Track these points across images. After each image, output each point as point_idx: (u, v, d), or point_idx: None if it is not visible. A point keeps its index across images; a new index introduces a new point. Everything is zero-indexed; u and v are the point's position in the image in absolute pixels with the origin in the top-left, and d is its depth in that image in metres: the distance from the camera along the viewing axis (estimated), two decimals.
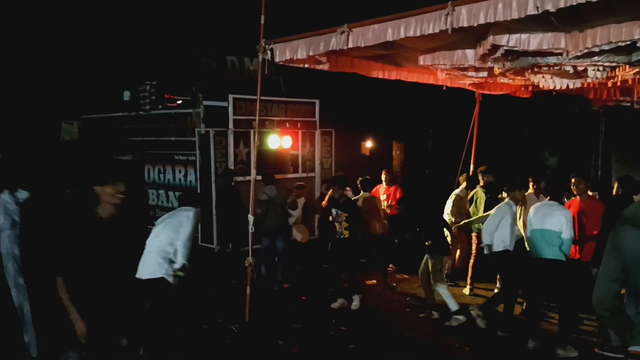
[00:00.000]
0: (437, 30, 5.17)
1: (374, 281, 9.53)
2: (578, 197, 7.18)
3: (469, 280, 8.86)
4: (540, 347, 6.44)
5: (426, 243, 7.70)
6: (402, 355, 6.50)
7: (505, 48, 5.74)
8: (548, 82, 7.77)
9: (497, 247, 7.07)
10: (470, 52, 6.50)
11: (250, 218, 7.35)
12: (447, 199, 9.37)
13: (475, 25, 4.92)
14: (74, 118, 14.27)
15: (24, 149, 12.87)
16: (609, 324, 3.12)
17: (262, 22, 6.80)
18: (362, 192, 9.31)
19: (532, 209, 6.82)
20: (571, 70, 6.73)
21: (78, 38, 15.07)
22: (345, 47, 6.02)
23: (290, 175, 11.59)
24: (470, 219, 8.74)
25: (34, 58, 14.87)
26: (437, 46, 6.60)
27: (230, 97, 10.75)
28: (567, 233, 6.44)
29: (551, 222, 6.49)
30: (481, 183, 8.91)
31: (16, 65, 14.47)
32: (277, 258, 9.11)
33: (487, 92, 10.05)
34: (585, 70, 6.66)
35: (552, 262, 6.47)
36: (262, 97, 7.54)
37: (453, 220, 9.00)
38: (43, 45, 14.96)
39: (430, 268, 7.65)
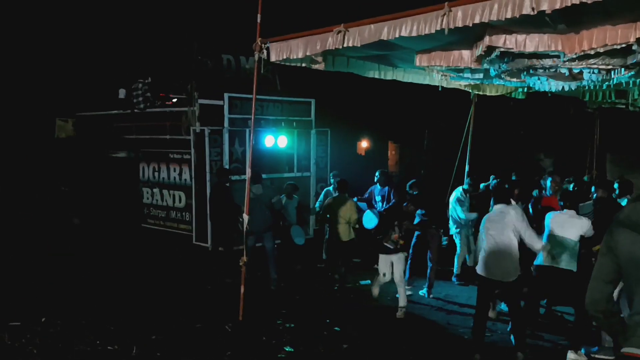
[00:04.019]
0: (433, 31, 5.17)
1: (369, 281, 9.54)
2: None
3: None
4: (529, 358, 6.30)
5: None
6: (396, 355, 6.50)
7: (502, 49, 5.74)
8: (544, 84, 7.79)
9: None
10: (466, 53, 6.50)
11: (245, 217, 7.34)
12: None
13: (470, 25, 4.93)
14: (68, 115, 14.24)
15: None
16: (602, 325, 3.11)
17: (259, 20, 6.79)
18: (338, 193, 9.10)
19: (548, 217, 6.75)
20: (567, 72, 6.74)
21: (73, 35, 15.02)
22: (342, 47, 6.01)
23: (285, 175, 11.59)
24: None
25: (28, 55, 14.82)
26: (434, 47, 6.60)
27: (226, 95, 10.74)
28: (590, 233, 6.45)
29: (571, 230, 6.44)
30: None
31: (11, 63, 14.42)
32: (269, 258, 9.05)
33: (483, 93, 10.06)
34: (581, 72, 6.67)
35: (565, 272, 6.41)
36: (258, 96, 7.52)
37: None
38: (37, 42, 14.91)
39: None
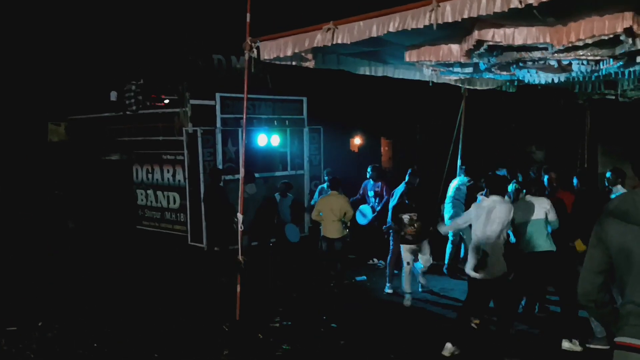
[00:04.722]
0: (421, 26, 5.19)
1: (364, 277, 9.58)
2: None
3: None
4: None
5: None
6: (393, 350, 6.53)
7: (490, 43, 5.77)
8: (533, 76, 7.82)
9: None
10: (455, 48, 6.52)
11: (240, 217, 7.34)
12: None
13: (459, 20, 4.95)
14: (60, 119, 14.18)
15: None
16: (594, 315, 3.14)
17: (248, 20, 6.80)
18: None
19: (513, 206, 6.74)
20: (556, 64, 6.78)
21: (64, 38, 14.98)
22: (331, 44, 6.03)
23: (278, 173, 11.60)
24: None
25: (20, 59, 14.77)
26: (423, 42, 6.62)
27: (218, 95, 10.73)
28: (552, 215, 6.49)
29: (536, 211, 6.48)
30: None
31: (2, 66, 14.36)
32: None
33: (473, 87, 10.08)
34: (570, 64, 6.71)
35: (546, 254, 6.45)
36: (250, 96, 7.52)
37: None
38: (29, 45, 14.86)
39: None
